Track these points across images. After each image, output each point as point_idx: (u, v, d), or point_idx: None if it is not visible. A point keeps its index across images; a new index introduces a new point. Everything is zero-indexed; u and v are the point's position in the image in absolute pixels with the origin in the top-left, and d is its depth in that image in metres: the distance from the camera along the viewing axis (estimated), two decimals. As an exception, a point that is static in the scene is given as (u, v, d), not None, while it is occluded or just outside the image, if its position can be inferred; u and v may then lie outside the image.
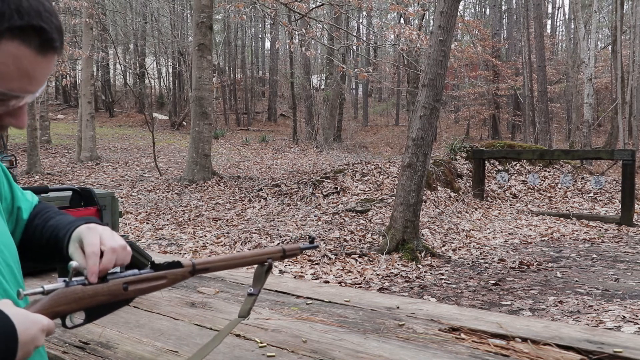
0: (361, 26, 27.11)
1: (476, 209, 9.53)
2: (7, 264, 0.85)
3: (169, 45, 26.50)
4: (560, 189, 10.97)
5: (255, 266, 1.14)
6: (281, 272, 5.45)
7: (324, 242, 6.54)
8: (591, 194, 10.77)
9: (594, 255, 6.58)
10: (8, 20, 0.69)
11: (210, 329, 1.54)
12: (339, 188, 9.12)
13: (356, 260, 6.02)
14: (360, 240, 6.71)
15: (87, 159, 14.63)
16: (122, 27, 27.86)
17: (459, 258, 6.47)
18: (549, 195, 10.85)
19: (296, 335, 1.46)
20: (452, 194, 9.88)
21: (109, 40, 23.94)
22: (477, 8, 35.97)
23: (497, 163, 11.20)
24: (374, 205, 8.17)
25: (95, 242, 0.88)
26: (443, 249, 6.84)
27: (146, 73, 25.36)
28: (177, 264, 0.95)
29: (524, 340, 1.38)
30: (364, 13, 23.93)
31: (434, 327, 1.50)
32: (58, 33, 0.75)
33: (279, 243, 6.52)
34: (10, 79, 0.72)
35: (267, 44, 36.23)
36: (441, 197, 9.46)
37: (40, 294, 0.82)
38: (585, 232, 8.16)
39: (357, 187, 9.25)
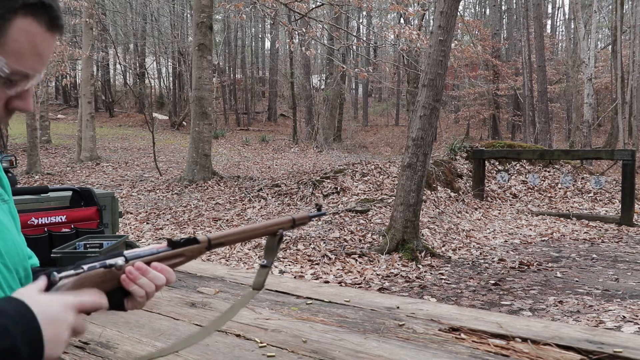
0: (361, 26, 27.11)
1: (476, 209, 9.52)
2: (7, 268, 0.84)
3: (169, 45, 26.48)
4: (560, 189, 10.96)
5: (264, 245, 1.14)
6: (281, 272, 5.45)
7: (324, 242, 6.54)
8: (591, 194, 10.76)
9: (594, 255, 6.58)
10: None
11: (210, 329, 1.54)
12: (339, 188, 9.12)
13: (356, 260, 6.01)
14: (360, 240, 6.71)
15: (87, 159, 14.62)
16: (122, 27, 27.83)
17: (459, 258, 6.47)
18: (549, 195, 10.85)
19: (296, 335, 1.46)
20: (452, 194, 9.87)
21: (109, 40, 23.92)
22: (477, 8, 35.97)
23: (497, 163, 11.20)
24: (374, 205, 8.16)
25: None
26: (443, 249, 6.84)
27: (146, 73, 25.32)
28: (193, 240, 0.95)
29: (524, 340, 1.38)
30: (364, 13, 23.91)
31: (434, 327, 1.50)
32: (61, 12, 0.78)
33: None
34: (23, 57, 0.73)
35: (267, 44, 36.26)
36: (441, 197, 9.46)
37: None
38: (585, 232, 8.16)
39: (357, 187, 9.24)
